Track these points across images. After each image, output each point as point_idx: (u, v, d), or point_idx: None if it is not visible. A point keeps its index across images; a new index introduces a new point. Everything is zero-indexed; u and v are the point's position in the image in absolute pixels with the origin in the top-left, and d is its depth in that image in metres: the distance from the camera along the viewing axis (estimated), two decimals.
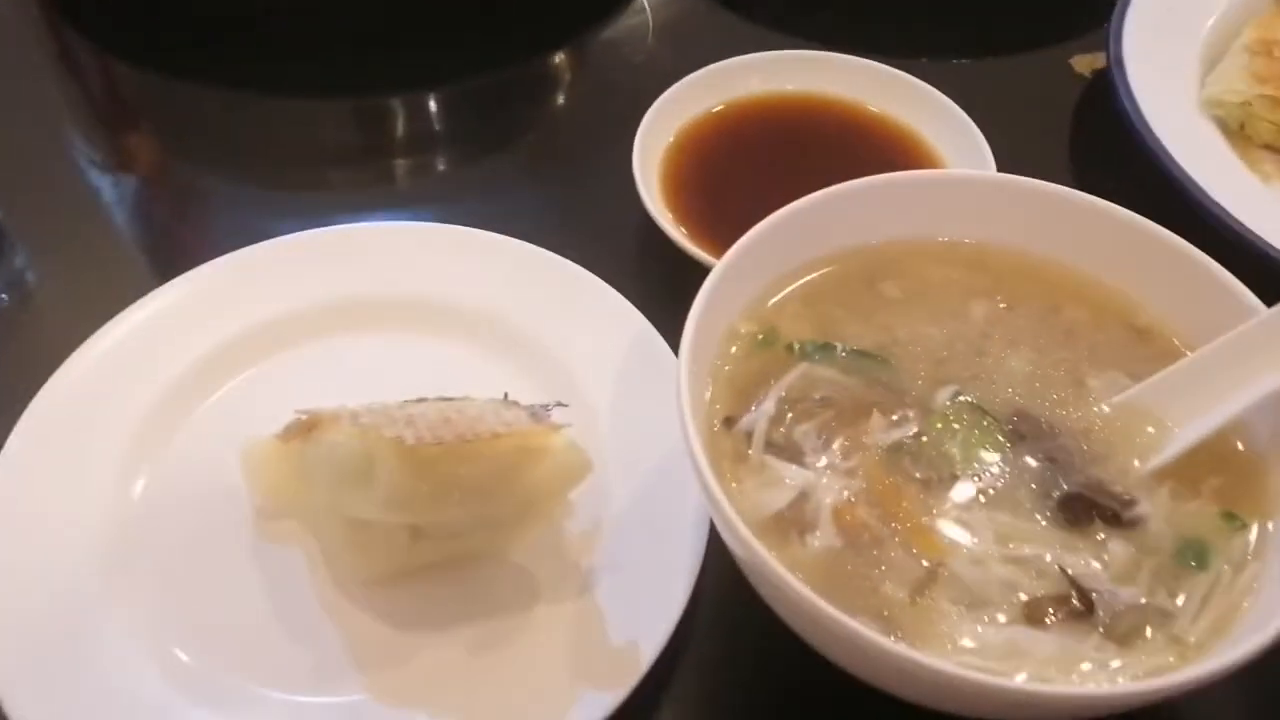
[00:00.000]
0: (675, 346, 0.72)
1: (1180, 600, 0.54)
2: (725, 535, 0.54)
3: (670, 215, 0.80)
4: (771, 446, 0.59)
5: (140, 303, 0.73)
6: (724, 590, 0.63)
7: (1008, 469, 0.58)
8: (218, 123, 0.96)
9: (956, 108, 0.84)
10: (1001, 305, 0.66)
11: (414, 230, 0.79)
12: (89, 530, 0.64)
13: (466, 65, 0.99)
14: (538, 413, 0.63)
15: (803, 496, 0.57)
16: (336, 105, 0.98)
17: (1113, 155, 0.91)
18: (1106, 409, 0.61)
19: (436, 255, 0.78)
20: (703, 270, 0.75)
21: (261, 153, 0.94)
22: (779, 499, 0.57)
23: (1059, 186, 0.66)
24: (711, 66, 0.88)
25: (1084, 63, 1.00)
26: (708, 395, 0.61)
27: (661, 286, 0.79)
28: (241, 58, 0.98)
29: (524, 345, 0.74)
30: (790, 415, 0.60)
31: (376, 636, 0.62)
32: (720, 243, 0.78)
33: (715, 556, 0.62)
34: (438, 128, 1.00)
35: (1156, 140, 0.83)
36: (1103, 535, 0.56)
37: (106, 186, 0.92)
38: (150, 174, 0.94)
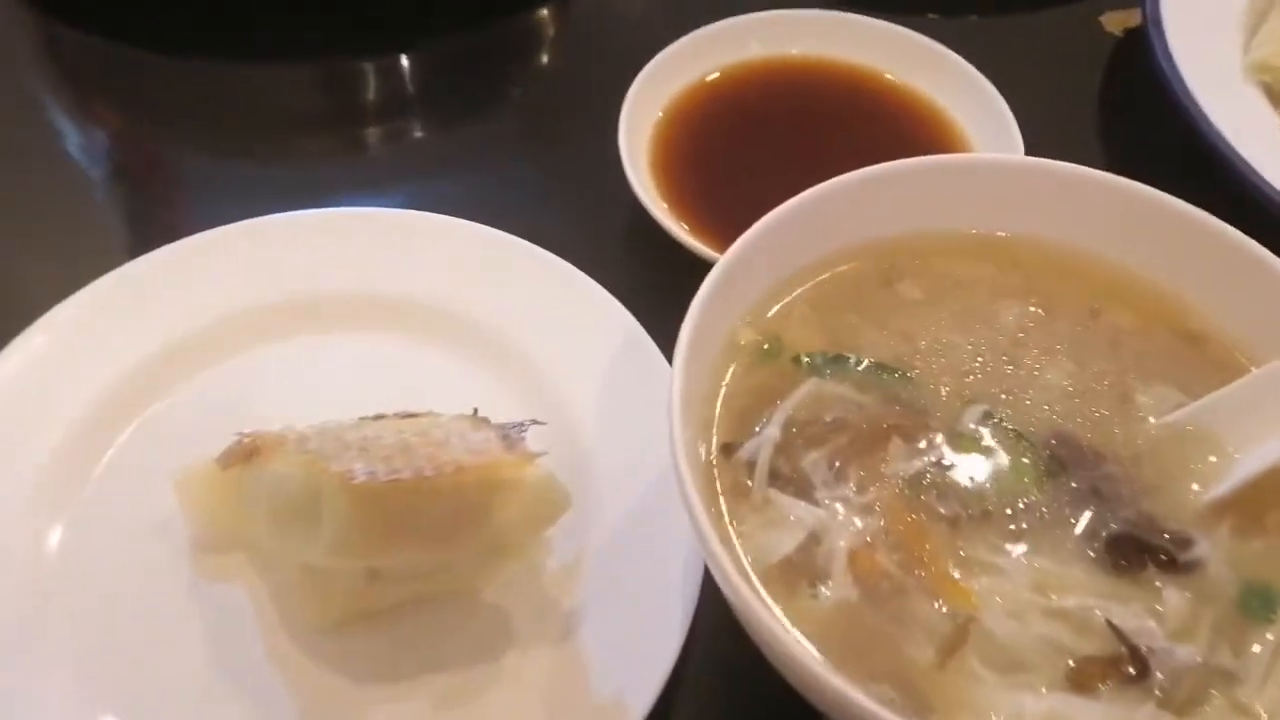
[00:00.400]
0: (666, 348, 0.65)
1: (1247, 659, 0.47)
2: (723, 588, 0.47)
3: (660, 199, 0.72)
4: (776, 479, 0.51)
5: (60, 307, 0.65)
6: (722, 636, 0.56)
7: (1046, 504, 0.51)
8: (168, 94, 0.87)
9: (981, 78, 0.75)
10: (1036, 308, 0.58)
11: (371, 217, 0.71)
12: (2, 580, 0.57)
13: (433, 25, 0.90)
14: (510, 435, 0.56)
15: (813, 539, 0.50)
16: (296, 72, 0.89)
17: (1147, 124, 0.84)
18: (1156, 430, 0.54)
19: (397, 245, 0.69)
20: (697, 261, 0.67)
21: (211, 126, 0.85)
22: (785, 542, 0.49)
23: (1097, 172, 0.59)
24: (705, 29, 0.80)
25: (1115, 20, 0.91)
26: (703, 417, 0.53)
27: (650, 280, 0.71)
28: (199, 22, 0.89)
29: (497, 347, 0.67)
30: (798, 441, 0.53)
31: (330, 689, 0.55)
32: (716, 230, 0.71)
33: (713, 595, 0.55)
34: (396, 97, 0.90)
35: (1198, 109, 0.75)
36: (1157, 582, 0.49)
37: (37, 167, 0.82)
38: (89, 154, 0.85)
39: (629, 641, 0.55)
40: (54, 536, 0.59)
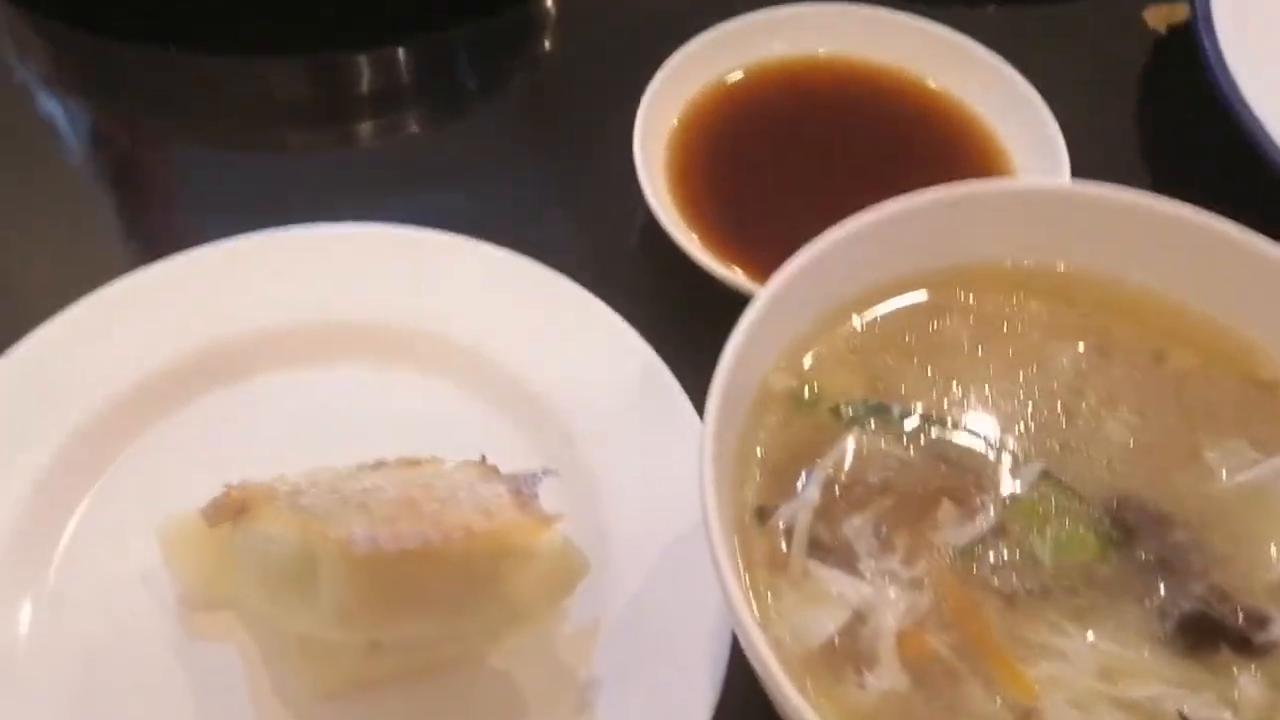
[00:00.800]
0: (684, 379, 0.60)
1: None
2: (761, 676, 0.43)
3: (678, 215, 0.67)
4: (817, 548, 0.47)
5: (24, 342, 0.60)
6: (753, 712, 0.52)
7: (1111, 577, 0.47)
8: (147, 91, 0.81)
9: (1027, 85, 0.70)
10: (1093, 350, 0.54)
11: (362, 236, 0.65)
12: None
13: (425, 16, 0.83)
14: (522, 488, 0.51)
15: (858, 618, 0.45)
16: (282, 65, 0.82)
17: (1196, 135, 0.78)
18: (1228, 491, 0.49)
19: (392, 266, 0.64)
20: (719, 284, 0.63)
21: (192, 128, 0.79)
22: (828, 623, 0.45)
23: (1158, 199, 0.54)
24: (724, 25, 0.74)
25: (1159, 15, 0.85)
26: (736, 476, 0.49)
27: (667, 301, 0.67)
28: (189, 14, 0.82)
29: (503, 380, 0.62)
30: (840, 505, 0.48)
31: None
32: (740, 250, 0.66)
33: (742, 665, 0.51)
34: (390, 98, 0.83)
35: (1257, 123, 0.70)
36: (1233, 667, 0.45)
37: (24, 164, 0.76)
38: (71, 156, 0.80)
39: (651, 716, 0.51)
40: (30, 588, 0.54)
